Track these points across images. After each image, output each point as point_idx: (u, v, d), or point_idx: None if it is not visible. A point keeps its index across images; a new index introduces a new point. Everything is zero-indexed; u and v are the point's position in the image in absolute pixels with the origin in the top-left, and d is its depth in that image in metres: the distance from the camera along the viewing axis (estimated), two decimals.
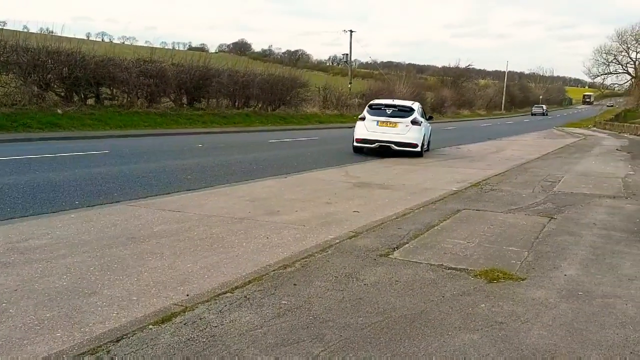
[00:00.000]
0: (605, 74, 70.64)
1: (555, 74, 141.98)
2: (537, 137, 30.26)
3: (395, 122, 15.21)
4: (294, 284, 4.08)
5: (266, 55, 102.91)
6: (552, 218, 7.02)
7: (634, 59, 67.45)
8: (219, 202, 7.42)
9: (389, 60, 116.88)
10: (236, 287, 3.94)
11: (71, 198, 7.19)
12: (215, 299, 3.70)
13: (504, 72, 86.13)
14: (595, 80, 77.77)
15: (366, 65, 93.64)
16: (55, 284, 3.98)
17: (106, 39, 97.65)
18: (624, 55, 67.69)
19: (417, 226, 6.20)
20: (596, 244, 5.75)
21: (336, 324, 3.38)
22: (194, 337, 3.10)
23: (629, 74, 69.25)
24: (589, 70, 74.34)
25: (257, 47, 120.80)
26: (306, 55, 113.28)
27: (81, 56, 20.01)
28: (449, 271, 4.58)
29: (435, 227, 6.21)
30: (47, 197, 7.15)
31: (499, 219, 6.83)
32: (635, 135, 33.00)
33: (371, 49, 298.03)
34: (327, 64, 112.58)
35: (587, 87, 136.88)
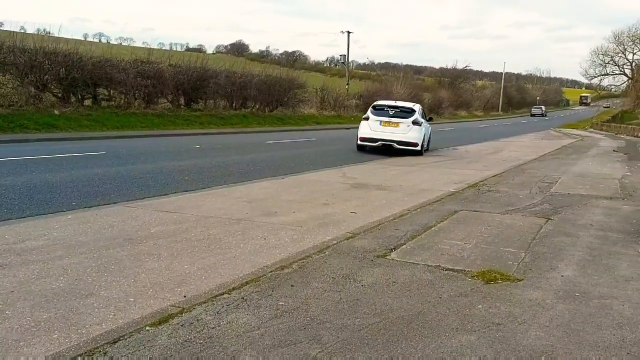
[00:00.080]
0: (602, 75, 70.76)
1: (552, 75, 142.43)
2: (534, 138, 30.31)
3: (397, 122, 16.14)
4: (292, 285, 4.08)
5: (264, 56, 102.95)
6: (549, 219, 7.03)
7: (630, 61, 67.63)
8: (217, 203, 7.41)
9: (387, 61, 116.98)
10: (233, 289, 3.93)
11: (68, 199, 7.17)
12: (213, 300, 3.69)
13: (501, 73, 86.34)
14: (592, 82, 77.90)
15: (363, 67, 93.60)
16: (52, 286, 3.97)
17: (103, 40, 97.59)
18: (621, 57, 67.85)
19: (415, 227, 6.20)
20: (593, 245, 5.76)
21: (333, 325, 3.38)
22: (191, 339, 3.10)
23: (625, 75, 69.41)
24: (586, 71, 74.30)
25: (254, 48, 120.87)
26: (304, 56, 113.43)
27: (78, 57, 19.96)
28: (446, 272, 4.58)
29: (433, 228, 6.21)
30: (44, 198, 7.14)
31: (496, 220, 6.84)
32: (632, 136, 33.08)
33: (368, 50, 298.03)
34: (325, 65, 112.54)
35: (584, 89, 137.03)
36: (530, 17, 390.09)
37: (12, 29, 24.20)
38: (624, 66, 68.48)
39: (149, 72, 22.35)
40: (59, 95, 19.87)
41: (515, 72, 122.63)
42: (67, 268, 4.37)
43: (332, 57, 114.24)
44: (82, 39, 67.72)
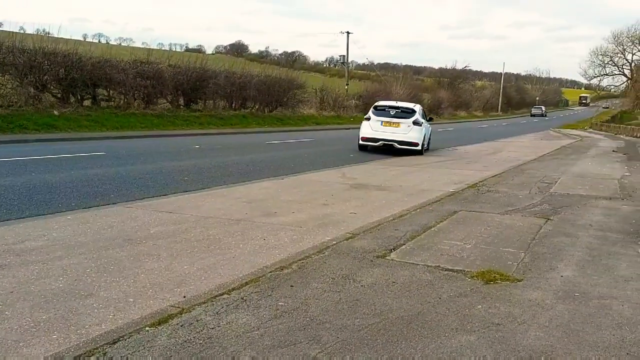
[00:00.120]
0: (601, 76, 70.94)
1: (551, 76, 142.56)
2: (534, 138, 30.32)
3: (398, 123, 16.47)
4: (291, 286, 4.08)
5: (263, 57, 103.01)
6: (548, 219, 7.04)
7: (629, 61, 67.75)
8: (216, 203, 7.41)
9: (386, 61, 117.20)
10: (233, 289, 3.93)
11: (67, 199, 7.17)
12: (212, 301, 3.69)
13: (501, 73, 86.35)
14: (591, 82, 78.16)
15: (363, 67, 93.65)
16: (51, 286, 3.96)
17: (103, 40, 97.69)
18: (620, 57, 68.00)
19: (414, 227, 6.20)
20: (592, 245, 5.76)
21: (333, 325, 3.38)
22: (190, 339, 3.10)
23: (624, 75, 69.53)
24: (585, 71, 74.41)
25: (254, 49, 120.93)
26: (303, 56, 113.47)
27: (78, 57, 19.95)
28: (446, 272, 4.58)
29: (432, 229, 6.22)
30: (43, 198, 7.13)
31: (496, 220, 6.84)
32: (631, 136, 33.11)
33: (368, 50, 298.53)
34: (324, 66, 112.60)
35: (583, 89, 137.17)
36: (530, 17, 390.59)
37: (11, 29, 24.22)
38: (623, 66, 68.65)
39: (149, 72, 22.34)
40: (59, 95, 19.86)
41: (515, 73, 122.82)
42: (66, 268, 4.37)
43: (332, 58, 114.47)
44: (82, 39, 67.71)
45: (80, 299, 3.76)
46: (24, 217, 6.08)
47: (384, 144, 16.39)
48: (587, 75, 73.06)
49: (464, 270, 4.64)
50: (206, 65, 27.12)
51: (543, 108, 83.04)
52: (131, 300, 3.79)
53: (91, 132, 17.47)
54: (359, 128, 17.31)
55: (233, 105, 28.14)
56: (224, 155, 14.03)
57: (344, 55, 52.49)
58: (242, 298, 3.77)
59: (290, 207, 7.43)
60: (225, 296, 3.79)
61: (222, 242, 5.42)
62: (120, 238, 5.37)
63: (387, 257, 4.97)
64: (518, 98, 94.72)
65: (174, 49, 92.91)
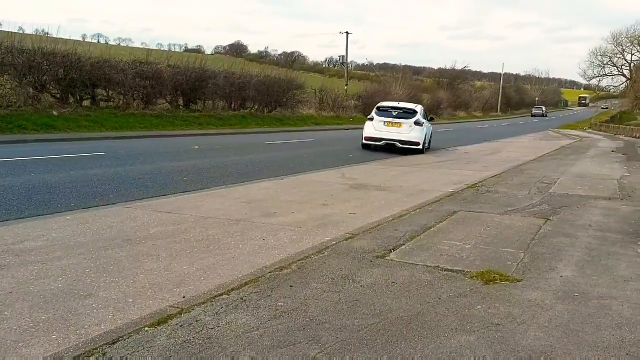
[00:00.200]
0: (601, 76, 71.00)
1: (551, 76, 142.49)
2: (533, 138, 30.34)
3: (400, 123, 17.05)
4: (290, 286, 4.08)
5: (262, 57, 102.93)
6: (547, 219, 7.04)
7: (629, 61, 67.81)
8: (215, 203, 7.41)
9: (385, 61, 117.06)
10: (232, 289, 3.93)
11: (67, 200, 7.16)
12: (212, 301, 3.69)
13: (500, 73, 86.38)
14: (590, 82, 78.17)
15: (362, 67, 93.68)
16: (50, 286, 3.96)
17: (102, 41, 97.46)
18: (619, 57, 68.04)
19: (414, 228, 6.20)
20: (592, 246, 5.77)
21: (332, 325, 3.38)
22: (190, 339, 3.10)
23: (624, 75, 69.57)
24: (585, 72, 74.54)
25: (253, 49, 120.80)
26: (302, 56, 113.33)
27: (77, 57, 19.92)
28: (445, 272, 4.58)
29: (432, 229, 6.22)
30: (42, 198, 7.13)
31: (495, 221, 6.85)
32: (630, 136, 33.14)
33: (367, 50, 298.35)
34: (323, 66, 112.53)
35: (582, 89, 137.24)
36: (529, 17, 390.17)
37: (10, 30, 24.16)
38: (623, 67, 68.71)
39: (148, 72, 22.32)
40: (58, 95, 19.84)
41: (514, 73, 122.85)
42: (65, 269, 4.36)
43: (331, 58, 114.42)
44: (81, 39, 67.84)
45: (79, 299, 3.76)
46: (23, 217, 6.08)
47: (387, 143, 16.91)
48: (586, 76, 73.17)
49: (464, 271, 4.64)
50: (205, 66, 27.10)
51: (543, 108, 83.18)
52: (130, 300, 3.79)
53: (90, 132, 17.45)
54: (358, 128, 17.63)
55: (232, 105, 28.13)
56: (223, 155, 14.02)
57: (343, 56, 52.49)
58: (242, 298, 3.77)
59: (289, 207, 7.43)
60: (224, 296, 3.79)
61: (222, 243, 5.42)
62: (120, 238, 5.36)
63: (386, 257, 4.97)
64: (517, 98, 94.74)
65: (173, 49, 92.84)
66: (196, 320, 3.36)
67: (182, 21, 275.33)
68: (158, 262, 4.69)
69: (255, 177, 10.27)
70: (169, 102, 24.70)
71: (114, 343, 3.01)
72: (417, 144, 16.96)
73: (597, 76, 71.01)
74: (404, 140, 16.85)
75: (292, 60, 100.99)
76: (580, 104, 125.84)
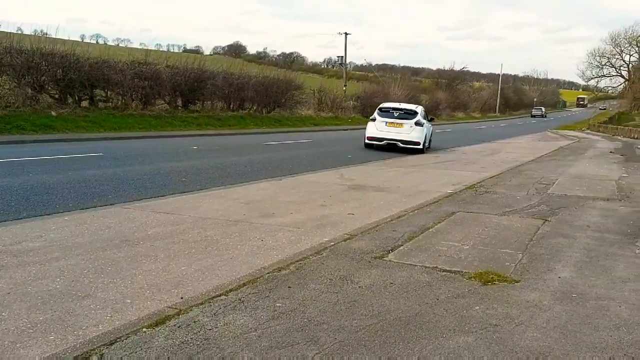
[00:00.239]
0: (599, 77, 71.22)
1: (549, 77, 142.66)
2: (532, 139, 30.36)
3: (401, 123, 17.73)
4: (289, 287, 4.08)
5: (261, 58, 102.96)
6: (546, 220, 7.05)
7: (627, 62, 68.00)
8: (214, 204, 7.41)
9: (384, 62, 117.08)
10: (230, 290, 3.93)
11: (65, 200, 7.16)
12: (210, 302, 3.69)
13: (499, 74, 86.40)
14: (589, 83, 78.47)
15: (361, 68, 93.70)
16: (48, 287, 3.96)
17: (100, 41, 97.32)
18: (618, 58, 68.26)
19: (412, 228, 6.20)
20: (590, 246, 5.77)
21: (331, 326, 3.38)
22: (188, 340, 3.09)
23: (622, 76, 69.76)
24: (583, 73, 74.87)
25: (252, 50, 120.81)
26: (301, 57, 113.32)
27: (75, 58, 19.90)
28: (444, 273, 4.59)
29: (430, 230, 6.22)
30: (40, 199, 7.12)
31: (494, 222, 6.85)
32: (628, 137, 33.18)
33: (366, 51, 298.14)
34: (322, 67, 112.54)
35: (581, 90, 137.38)
36: (528, 18, 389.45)
37: (9, 30, 24.10)
38: (621, 68, 68.93)
39: (147, 73, 22.30)
40: (56, 96, 19.82)
41: (513, 74, 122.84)
42: (63, 269, 4.36)
43: (330, 59, 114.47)
44: (79, 40, 67.74)
45: (77, 300, 3.75)
46: (21, 218, 6.07)
47: (388, 143, 17.53)
48: (584, 77, 73.42)
49: (462, 272, 4.64)
50: (204, 66, 27.09)
51: (543, 109, 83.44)
52: (128, 301, 3.79)
53: (89, 133, 17.43)
54: (357, 129, 17.85)
55: (231, 106, 28.11)
56: (222, 156, 14.02)
57: (342, 56, 52.46)
58: (240, 299, 3.77)
59: (288, 208, 7.43)
60: (222, 297, 3.79)
61: (220, 243, 5.42)
62: (118, 239, 5.36)
63: (385, 258, 4.97)
64: (516, 99, 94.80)
65: (171, 50, 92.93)
66: (194, 321, 3.36)
67: (181, 21, 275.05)
68: (156, 263, 4.68)
69: (254, 177, 10.27)
70: (168, 103, 24.68)
71: (112, 344, 3.01)
72: (418, 143, 17.51)
73: (595, 77, 71.28)
74: (405, 140, 17.42)
75: (291, 61, 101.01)
76: (578, 105, 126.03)
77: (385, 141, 17.63)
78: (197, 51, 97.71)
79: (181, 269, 4.55)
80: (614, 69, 69.53)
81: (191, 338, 3.13)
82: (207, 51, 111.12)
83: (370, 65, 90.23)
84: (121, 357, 2.88)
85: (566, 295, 4.16)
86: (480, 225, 6.57)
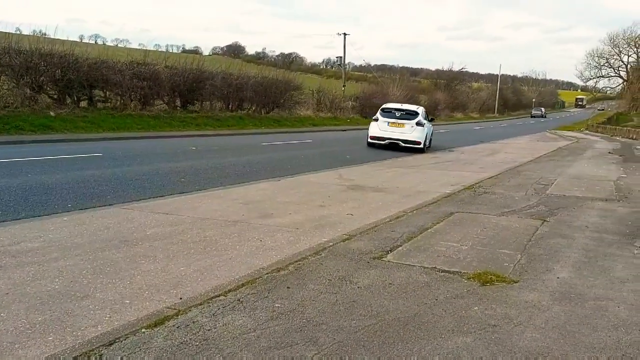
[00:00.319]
0: (597, 78, 71.31)
1: (548, 77, 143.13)
2: (530, 140, 30.39)
3: (403, 123, 18.39)
4: (288, 287, 4.08)
5: (260, 58, 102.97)
6: (544, 221, 7.05)
7: (625, 63, 68.08)
8: (213, 204, 7.40)
9: (383, 63, 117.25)
10: (229, 291, 3.93)
11: (64, 201, 7.15)
12: (209, 302, 3.69)
13: (497, 75, 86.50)
14: (587, 84, 78.59)
15: (360, 68, 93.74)
16: (47, 288, 3.95)
17: (99, 41, 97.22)
18: (616, 59, 68.34)
19: (411, 229, 6.21)
20: (588, 247, 5.78)
21: (329, 327, 3.38)
22: (186, 341, 3.09)
23: (620, 77, 69.85)
24: (582, 73, 75.10)
25: (250, 50, 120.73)
26: (300, 58, 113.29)
27: (74, 58, 19.87)
28: (442, 274, 4.59)
29: (429, 230, 6.22)
30: (39, 199, 7.11)
31: (492, 222, 6.86)
32: (627, 138, 33.23)
33: (365, 51, 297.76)
34: (321, 67, 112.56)
35: (579, 91, 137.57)
36: (528, 18, 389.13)
37: (7, 30, 24.07)
38: (619, 68, 69.02)
39: (145, 73, 22.28)
40: (55, 96, 19.80)
41: (511, 74, 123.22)
42: (62, 270, 4.35)
43: (329, 59, 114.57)
44: (78, 40, 67.71)
45: (76, 300, 3.75)
46: (19, 219, 6.06)
47: (390, 142, 18.11)
48: (583, 77, 73.56)
49: (461, 272, 4.65)
50: (203, 67, 27.07)
51: (543, 109, 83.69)
52: (127, 301, 3.79)
53: (88, 133, 17.42)
54: (356, 129, 18.03)
55: (230, 106, 28.10)
56: (221, 156, 14.01)
57: (340, 57, 52.58)
58: (239, 299, 3.77)
59: (287, 208, 7.43)
60: (221, 298, 3.79)
61: (219, 244, 5.42)
62: (117, 239, 5.35)
63: (383, 259, 4.98)
64: (514, 100, 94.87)
65: (170, 50, 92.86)
66: (193, 322, 3.36)
67: (181, 21, 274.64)
68: (155, 263, 4.68)
69: (252, 178, 10.27)
70: (167, 103, 24.67)
71: (110, 345, 3.01)
72: (419, 143, 18.12)
73: (594, 78, 71.38)
74: (406, 140, 18.01)
75: (289, 61, 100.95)
76: (577, 106, 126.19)
77: (387, 140, 18.17)
78: (195, 51, 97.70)
79: (180, 270, 4.55)
80: (612, 69, 69.69)
81: (190, 339, 3.13)
82: (206, 51, 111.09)
83: (369, 65, 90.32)
84: (120, 358, 2.87)
85: (565, 296, 4.17)
86: (479, 226, 6.57)
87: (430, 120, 20.78)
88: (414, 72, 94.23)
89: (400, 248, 5.38)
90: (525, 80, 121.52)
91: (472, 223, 6.74)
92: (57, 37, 22.89)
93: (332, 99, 38.82)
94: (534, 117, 77.76)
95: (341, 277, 4.39)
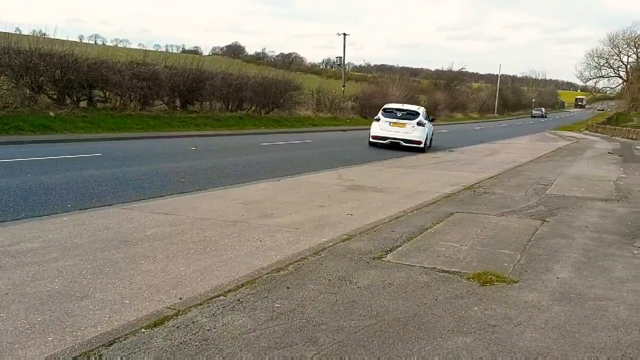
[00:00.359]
0: (597, 78, 71.39)
1: (547, 77, 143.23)
2: (530, 140, 30.40)
3: (404, 123, 18.72)
4: (287, 287, 4.08)
5: (260, 58, 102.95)
6: (544, 221, 7.05)
7: (625, 63, 68.14)
8: (213, 205, 7.40)
9: (383, 63, 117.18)
10: (229, 291, 3.93)
11: (63, 201, 7.15)
12: (208, 303, 3.69)
13: (497, 75, 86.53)
14: (587, 84, 78.69)
15: (360, 69, 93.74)
16: (46, 288, 3.95)
17: (99, 42, 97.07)
18: (616, 59, 68.41)
19: (411, 229, 6.21)
20: (588, 247, 5.78)
21: (329, 327, 3.38)
22: (186, 341, 3.09)
23: (620, 77, 69.91)
24: (581, 73, 75.15)
25: (250, 50, 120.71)
26: (300, 58, 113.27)
27: (74, 59, 19.87)
28: (442, 274, 4.59)
29: (429, 230, 6.22)
30: (39, 200, 7.11)
31: (492, 222, 6.86)
32: (627, 138, 33.24)
33: (364, 51, 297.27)
34: (321, 67, 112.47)
35: (579, 91, 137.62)
36: (528, 18, 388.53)
37: (7, 30, 24.06)
38: (619, 69, 69.09)
39: (145, 73, 22.27)
40: (55, 96, 19.79)
41: (511, 75, 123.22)
42: (62, 270, 4.35)
43: (328, 59, 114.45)
44: (78, 40, 67.60)
45: (75, 300, 3.75)
46: (19, 219, 6.06)
47: (392, 142, 18.44)
48: (583, 77, 73.66)
49: (460, 272, 4.65)
50: (203, 67, 27.07)
51: (543, 109, 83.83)
52: (127, 302, 3.78)
53: (87, 134, 17.41)
54: (356, 130, 18.06)
55: (229, 106, 28.10)
56: (221, 156, 14.01)
57: (340, 57, 52.51)
58: (238, 300, 3.76)
59: (286, 208, 7.42)
60: (221, 298, 3.79)
61: (219, 244, 5.42)
62: (116, 239, 5.35)
63: (383, 259, 4.97)
64: (514, 100, 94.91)
65: (170, 50, 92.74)
66: (193, 322, 3.36)
67: (181, 21, 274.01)
68: (155, 263, 4.68)
69: (252, 178, 10.27)
70: (166, 104, 24.66)
71: (110, 345, 3.01)
72: (420, 142, 18.44)
73: (593, 78, 71.48)
74: (407, 140, 18.35)
75: (289, 61, 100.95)
76: (576, 106, 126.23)
77: (388, 140, 18.50)
78: (195, 52, 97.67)
79: (180, 270, 4.55)
80: (612, 69, 69.77)
81: (190, 339, 3.12)
82: (205, 52, 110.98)
83: (369, 65, 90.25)
84: (120, 358, 2.87)
85: (564, 296, 4.17)
86: (478, 226, 6.57)
87: (431, 121, 20.99)
88: (414, 72, 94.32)
89: (400, 248, 5.38)
90: (525, 80, 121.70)
91: (472, 223, 6.74)
92: (56, 37, 22.88)
93: (332, 99, 38.82)
94: (534, 117, 77.89)
95: (341, 277, 4.39)
